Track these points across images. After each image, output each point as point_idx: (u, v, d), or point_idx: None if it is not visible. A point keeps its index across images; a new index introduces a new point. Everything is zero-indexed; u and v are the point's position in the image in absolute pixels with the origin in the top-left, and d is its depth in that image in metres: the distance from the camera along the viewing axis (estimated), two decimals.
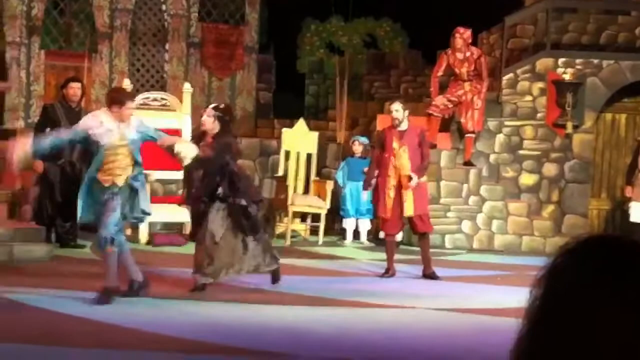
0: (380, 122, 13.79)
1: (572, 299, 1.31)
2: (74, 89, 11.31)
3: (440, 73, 12.80)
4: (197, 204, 8.67)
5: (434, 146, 12.82)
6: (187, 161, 8.27)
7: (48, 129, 11.10)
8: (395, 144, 9.91)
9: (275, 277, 8.96)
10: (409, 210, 9.91)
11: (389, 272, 10.02)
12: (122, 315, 7.36)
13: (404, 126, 10.02)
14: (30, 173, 11.49)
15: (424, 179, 10.20)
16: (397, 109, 10.02)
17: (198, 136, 8.85)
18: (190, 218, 9.03)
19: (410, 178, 9.86)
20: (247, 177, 9.44)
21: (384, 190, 10.00)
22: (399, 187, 9.91)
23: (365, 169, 12.95)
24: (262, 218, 9.47)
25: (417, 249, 10.63)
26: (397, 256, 11.53)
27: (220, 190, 8.52)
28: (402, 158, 9.89)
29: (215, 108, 8.86)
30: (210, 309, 7.83)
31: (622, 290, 1.28)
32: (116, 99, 8.21)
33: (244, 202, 8.62)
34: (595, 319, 1.28)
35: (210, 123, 8.65)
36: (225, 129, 8.71)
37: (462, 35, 12.44)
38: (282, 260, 10.98)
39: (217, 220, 8.51)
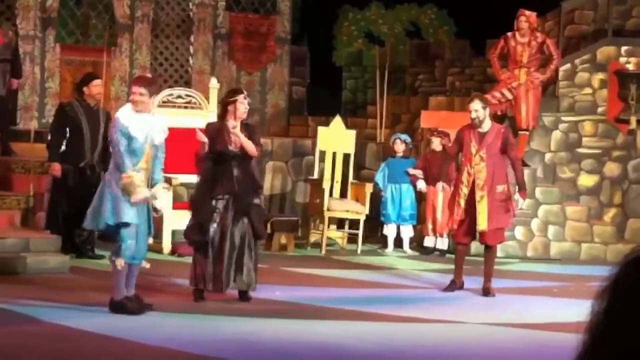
0: (425, 119, 13.77)
1: None
2: (98, 87, 11.37)
3: (497, 55, 12.68)
4: (207, 203, 8.68)
5: None
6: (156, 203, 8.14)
7: (68, 129, 11.21)
8: (473, 148, 9.60)
9: (245, 297, 8.82)
10: (482, 224, 9.56)
11: (455, 285, 9.83)
12: (140, 331, 7.37)
13: (485, 127, 9.64)
14: (45, 176, 11.56)
15: (501, 187, 9.68)
16: (477, 109, 9.57)
17: (217, 128, 8.80)
18: (197, 220, 8.73)
19: (509, 197, 9.65)
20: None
21: (455, 198, 9.77)
22: (472, 196, 9.59)
23: (409, 170, 12.95)
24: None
25: (468, 257, 10.54)
26: (440, 265, 11.54)
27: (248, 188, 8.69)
28: (479, 165, 9.58)
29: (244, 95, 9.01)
30: (238, 324, 7.83)
31: None
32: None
33: (257, 201, 8.81)
34: None
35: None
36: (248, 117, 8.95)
37: (529, 18, 12.44)
38: (317, 271, 11.05)
39: (230, 224, 8.62)
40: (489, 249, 9.87)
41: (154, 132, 8.07)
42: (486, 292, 9.65)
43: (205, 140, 8.60)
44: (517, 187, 9.95)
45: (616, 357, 1.29)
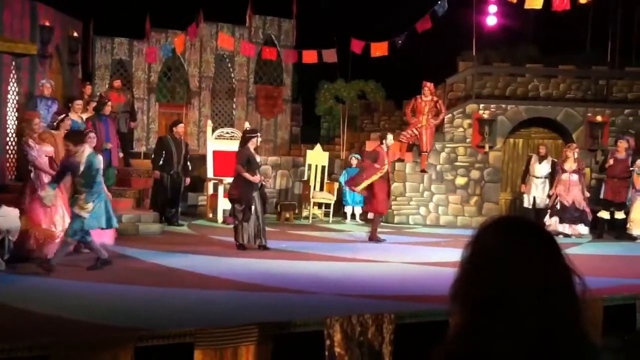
0: (369, 146, 13.76)
1: (491, 254, 1.32)
2: (181, 127, 11.38)
3: (409, 109, 12.76)
4: (250, 195, 8.61)
5: (402, 160, 12.84)
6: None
7: (164, 152, 11.15)
8: (386, 160, 9.87)
9: (265, 247, 8.65)
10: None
11: (377, 239, 9.89)
12: (206, 267, 7.33)
13: (386, 148, 9.98)
14: (149, 179, 11.53)
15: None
16: (390, 138, 10.03)
17: (250, 151, 8.72)
18: (244, 205, 8.57)
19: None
20: None
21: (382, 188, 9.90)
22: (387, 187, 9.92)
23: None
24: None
25: (393, 224, 10.54)
26: (379, 229, 11.53)
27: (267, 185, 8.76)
28: (388, 168, 9.91)
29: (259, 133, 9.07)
30: (260, 263, 7.78)
31: (522, 246, 1.32)
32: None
33: (267, 192, 8.88)
34: (507, 264, 1.30)
35: None
36: None
37: (429, 87, 12.53)
38: (307, 232, 11.03)
39: (259, 206, 8.59)
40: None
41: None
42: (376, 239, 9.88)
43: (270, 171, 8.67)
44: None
45: (477, 278, 1.32)
